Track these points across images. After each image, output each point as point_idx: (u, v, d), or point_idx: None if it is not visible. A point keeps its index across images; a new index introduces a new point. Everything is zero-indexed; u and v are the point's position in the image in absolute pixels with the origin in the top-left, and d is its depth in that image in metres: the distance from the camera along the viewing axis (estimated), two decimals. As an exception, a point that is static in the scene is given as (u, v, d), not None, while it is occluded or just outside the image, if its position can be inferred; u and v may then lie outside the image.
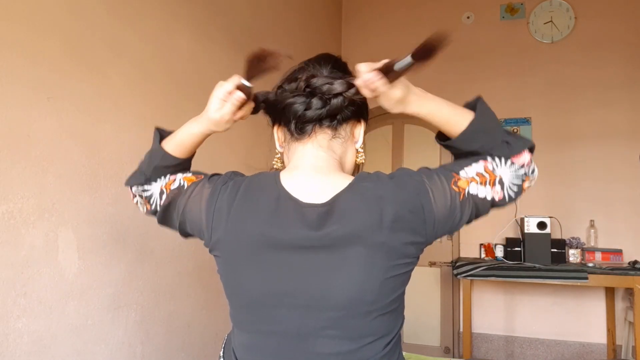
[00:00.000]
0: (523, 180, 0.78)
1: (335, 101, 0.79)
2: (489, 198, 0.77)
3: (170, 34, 1.90)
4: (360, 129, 0.87)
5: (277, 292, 0.75)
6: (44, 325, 1.32)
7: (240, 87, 0.77)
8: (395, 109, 0.79)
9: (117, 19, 1.61)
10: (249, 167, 2.42)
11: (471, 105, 0.81)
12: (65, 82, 1.40)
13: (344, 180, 0.78)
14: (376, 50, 4.00)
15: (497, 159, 0.77)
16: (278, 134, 0.89)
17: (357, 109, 0.85)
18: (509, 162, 0.77)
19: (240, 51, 2.37)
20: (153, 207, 0.89)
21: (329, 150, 0.83)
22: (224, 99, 0.78)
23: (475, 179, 0.76)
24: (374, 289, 0.73)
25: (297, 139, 0.84)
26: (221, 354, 0.89)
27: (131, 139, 1.64)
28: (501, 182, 0.77)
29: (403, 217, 0.72)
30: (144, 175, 0.89)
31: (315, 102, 0.79)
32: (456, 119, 0.79)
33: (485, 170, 0.77)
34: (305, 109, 0.80)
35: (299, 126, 0.82)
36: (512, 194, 0.78)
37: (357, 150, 0.87)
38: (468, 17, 3.84)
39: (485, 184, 0.76)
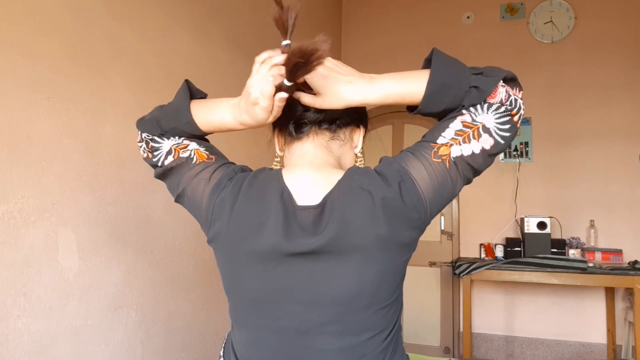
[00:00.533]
0: (510, 117, 0.72)
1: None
2: (477, 151, 0.72)
3: (170, 34, 1.90)
4: (359, 135, 0.89)
5: (276, 289, 0.75)
6: (44, 325, 1.32)
7: (282, 88, 0.73)
8: (334, 106, 0.76)
9: (117, 19, 1.61)
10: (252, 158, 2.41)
11: (428, 61, 0.76)
12: (65, 82, 1.40)
13: (337, 176, 0.78)
14: (376, 50, 4.01)
15: (472, 109, 0.72)
16: (278, 138, 0.89)
17: (357, 116, 0.86)
18: (485, 105, 0.72)
19: (240, 51, 2.37)
20: (155, 160, 0.86)
21: (327, 150, 0.84)
22: (271, 104, 0.74)
23: (455, 139, 0.72)
24: (374, 282, 0.73)
25: (296, 139, 0.84)
26: (221, 354, 0.89)
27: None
28: (486, 129, 0.72)
29: (393, 208, 0.72)
30: (160, 129, 0.86)
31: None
32: (413, 90, 0.73)
33: (463, 126, 0.72)
34: (305, 110, 0.81)
35: (298, 126, 0.83)
36: (506, 134, 0.72)
37: (356, 155, 0.88)
38: (468, 17, 3.84)
39: (468, 140, 0.72)
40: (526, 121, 3.62)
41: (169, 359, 1.85)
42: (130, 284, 1.65)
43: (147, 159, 0.89)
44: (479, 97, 0.71)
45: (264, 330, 0.77)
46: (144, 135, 0.88)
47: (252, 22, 2.56)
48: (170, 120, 0.85)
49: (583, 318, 3.41)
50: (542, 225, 3.21)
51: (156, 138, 0.86)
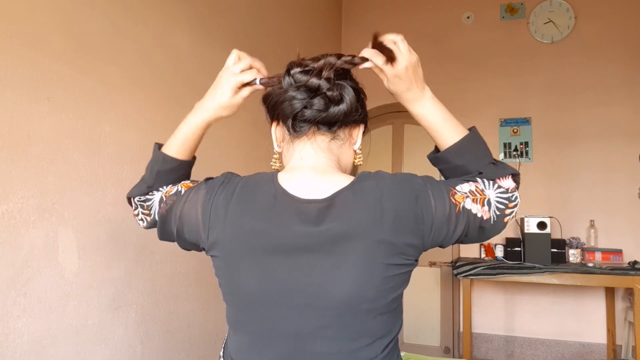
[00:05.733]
0: (506, 207, 0.80)
1: (336, 109, 0.79)
2: (479, 216, 0.78)
3: (170, 34, 1.90)
4: (359, 131, 0.87)
5: (275, 291, 0.74)
6: (44, 325, 1.32)
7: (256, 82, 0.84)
8: (396, 96, 0.83)
9: (116, 19, 1.61)
10: (250, 166, 2.42)
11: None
12: (65, 82, 1.40)
13: (345, 180, 0.78)
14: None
15: (485, 181, 0.80)
16: (276, 133, 0.87)
17: (357, 114, 0.84)
18: (495, 185, 0.80)
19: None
20: (153, 216, 0.90)
21: (329, 152, 0.82)
22: (239, 87, 0.85)
23: (468, 195, 0.78)
24: (374, 287, 0.73)
25: (295, 137, 0.83)
26: (221, 354, 0.89)
27: (131, 139, 1.64)
28: (489, 203, 0.79)
29: (402, 217, 0.73)
30: (146, 184, 0.90)
31: (317, 103, 0.78)
32: (449, 128, 0.82)
33: (476, 190, 0.79)
34: (304, 107, 0.79)
35: (296, 124, 0.81)
36: (496, 219, 0.79)
37: (355, 151, 0.87)
38: (468, 17, 3.84)
39: (476, 202, 0.78)
40: (526, 121, 3.63)
41: (169, 359, 1.85)
42: (130, 284, 1.65)
43: (148, 225, 0.93)
44: (494, 173, 0.81)
45: (263, 334, 0.77)
46: (135, 200, 0.92)
47: (252, 22, 2.56)
48: (151, 170, 0.91)
49: (583, 318, 3.41)
50: (542, 225, 3.21)
51: (147, 196, 0.91)
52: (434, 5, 3.93)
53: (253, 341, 0.78)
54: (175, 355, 1.89)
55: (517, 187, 0.83)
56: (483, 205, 0.78)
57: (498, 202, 0.79)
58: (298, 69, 0.78)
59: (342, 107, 0.79)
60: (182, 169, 0.91)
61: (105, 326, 1.54)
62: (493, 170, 0.81)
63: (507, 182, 0.81)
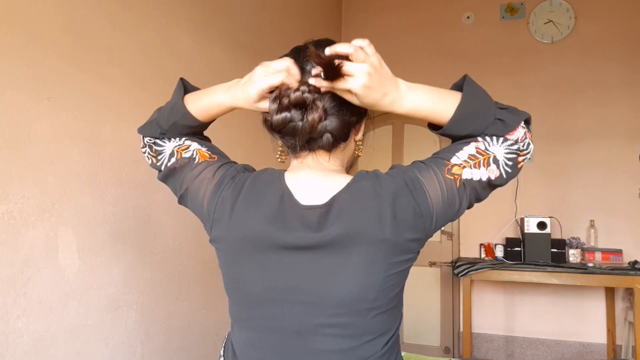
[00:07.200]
0: (517, 155, 0.76)
1: (339, 141, 0.80)
2: (484, 179, 0.75)
3: (170, 34, 1.90)
4: (360, 126, 0.86)
5: (278, 288, 0.75)
6: (44, 325, 1.32)
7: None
8: (374, 108, 0.78)
9: (116, 19, 1.61)
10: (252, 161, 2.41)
11: (458, 86, 0.78)
12: (65, 82, 1.40)
13: (344, 180, 0.78)
14: (376, 50, 3.99)
15: (488, 138, 0.76)
16: None
17: (358, 115, 0.83)
18: (501, 139, 0.75)
19: (240, 51, 2.37)
20: (159, 163, 0.88)
21: (332, 158, 0.82)
22: (264, 91, 0.74)
23: (468, 162, 0.75)
24: (376, 287, 0.73)
25: (296, 156, 0.83)
26: (221, 353, 0.89)
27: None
28: (495, 160, 0.75)
29: (401, 214, 0.73)
30: (160, 128, 0.87)
31: (325, 142, 0.79)
32: (441, 111, 0.76)
33: (477, 152, 0.75)
34: (307, 142, 0.79)
35: (297, 152, 0.82)
36: (510, 170, 0.76)
37: (356, 141, 0.86)
38: (468, 17, 3.84)
39: (479, 166, 0.75)
40: (526, 121, 3.63)
41: (169, 359, 1.85)
42: (130, 284, 1.65)
43: (152, 165, 0.91)
44: (502, 130, 0.75)
45: (264, 330, 0.77)
46: (146, 139, 0.90)
47: (252, 22, 2.56)
48: (168, 117, 0.87)
49: (583, 318, 3.41)
50: (542, 225, 3.21)
51: (158, 141, 0.88)
52: (434, 5, 3.93)
53: (255, 337, 0.79)
54: (175, 355, 1.89)
55: (529, 130, 0.76)
56: (488, 165, 0.75)
57: (507, 155, 0.75)
58: (282, 117, 0.74)
59: (343, 140, 0.80)
60: (199, 128, 0.89)
61: (105, 326, 1.54)
62: (501, 129, 0.75)
63: (517, 133, 0.75)
